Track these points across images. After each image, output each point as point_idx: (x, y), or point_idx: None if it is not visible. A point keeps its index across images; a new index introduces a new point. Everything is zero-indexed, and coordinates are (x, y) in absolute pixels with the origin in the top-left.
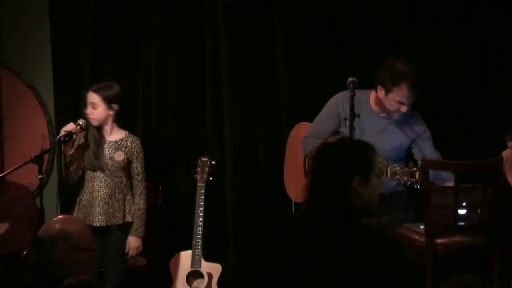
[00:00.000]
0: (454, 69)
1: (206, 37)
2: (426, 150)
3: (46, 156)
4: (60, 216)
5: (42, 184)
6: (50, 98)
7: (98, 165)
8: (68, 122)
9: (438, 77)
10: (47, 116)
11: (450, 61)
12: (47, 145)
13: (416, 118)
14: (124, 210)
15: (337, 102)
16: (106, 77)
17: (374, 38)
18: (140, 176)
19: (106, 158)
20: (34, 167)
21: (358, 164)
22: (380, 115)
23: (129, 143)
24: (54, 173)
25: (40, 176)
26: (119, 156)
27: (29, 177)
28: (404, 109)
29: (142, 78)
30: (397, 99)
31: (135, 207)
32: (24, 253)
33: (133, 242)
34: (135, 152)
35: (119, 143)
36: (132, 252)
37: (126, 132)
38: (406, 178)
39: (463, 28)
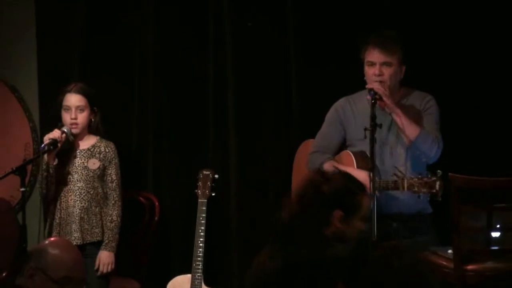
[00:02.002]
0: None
1: (210, 39)
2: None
3: (29, 167)
4: (53, 239)
5: (25, 198)
6: (34, 102)
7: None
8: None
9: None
10: (31, 122)
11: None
12: (30, 155)
13: (422, 95)
14: (102, 226)
15: (336, 109)
16: (96, 78)
17: None
18: (114, 184)
19: (79, 168)
20: (16, 179)
21: (340, 199)
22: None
23: (102, 149)
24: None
25: (22, 189)
26: (94, 164)
27: (10, 190)
28: (376, 70)
29: (137, 83)
30: (367, 61)
31: (108, 219)
32: (4, 274)
33: (104, 258)
34: (110, 158)
35: (91, 150)
36: (102, 268)
37: (98, 137)
38: (425, 189)
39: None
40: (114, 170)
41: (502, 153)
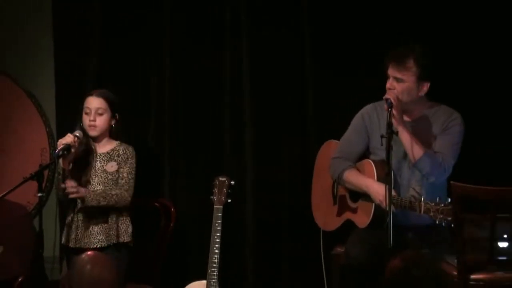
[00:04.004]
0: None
1: (226, 47)
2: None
3: (45, 173)
4: (90, 253)
5: (42, 203)
6: (51, 107)
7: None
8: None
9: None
10: (47, 127)
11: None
12: (47, 160)
13: (449, 112)
14: (117, 229)
15: (363, 116)
16: (112, 84)
17: None
18: (123, 181)
19: (99, 171)
20: (32, 185)
21: None
22: (405, 119)
23: (121, 152)
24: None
25: (40, 194)
26: (112, 167)
27: (27, 195)
28: (388, 84)
29: (154, 89)
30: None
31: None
32: (20, 280)
33: (74, 187)
34: (126, 158)
35: (110, 153)
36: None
37: (118, 142)
38: (441, 216)
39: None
40: (127, 169)
41: None
